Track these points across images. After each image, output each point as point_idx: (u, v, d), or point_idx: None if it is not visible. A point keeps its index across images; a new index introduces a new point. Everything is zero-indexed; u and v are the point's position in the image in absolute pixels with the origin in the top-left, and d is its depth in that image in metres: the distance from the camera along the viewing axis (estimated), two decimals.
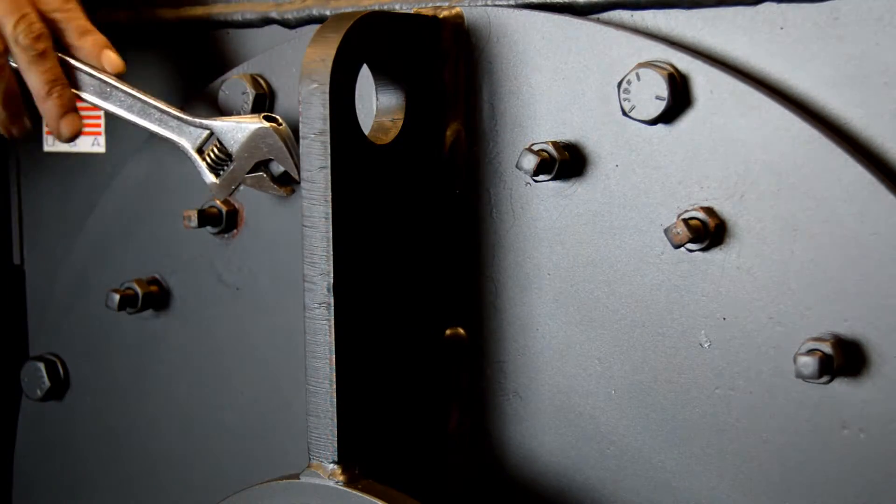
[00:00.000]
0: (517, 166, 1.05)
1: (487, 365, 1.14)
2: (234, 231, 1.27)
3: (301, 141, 1.01)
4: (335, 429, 1.02)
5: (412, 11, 1.11)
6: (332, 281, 1.01)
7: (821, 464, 0.98)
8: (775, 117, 0.97)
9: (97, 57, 1.20)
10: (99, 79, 1.21)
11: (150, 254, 1.33)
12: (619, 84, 1.02)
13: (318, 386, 1.03)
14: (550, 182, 1.08)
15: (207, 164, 1.20)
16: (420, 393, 1.13)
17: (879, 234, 0.94)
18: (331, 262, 1.01)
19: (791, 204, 0.97)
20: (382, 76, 1.09)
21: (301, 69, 1.00)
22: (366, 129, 1.07)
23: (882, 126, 0.96)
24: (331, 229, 1.01)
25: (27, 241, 1.48)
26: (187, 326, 1.32)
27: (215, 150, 1.19)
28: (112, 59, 1.21)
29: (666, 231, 1.01)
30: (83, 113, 1.25)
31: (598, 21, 1.06)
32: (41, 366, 1.40)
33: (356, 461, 1.04)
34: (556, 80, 1.07)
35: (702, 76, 1.00)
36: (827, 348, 0.94)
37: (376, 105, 1.10)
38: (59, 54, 1.21)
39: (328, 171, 1.00)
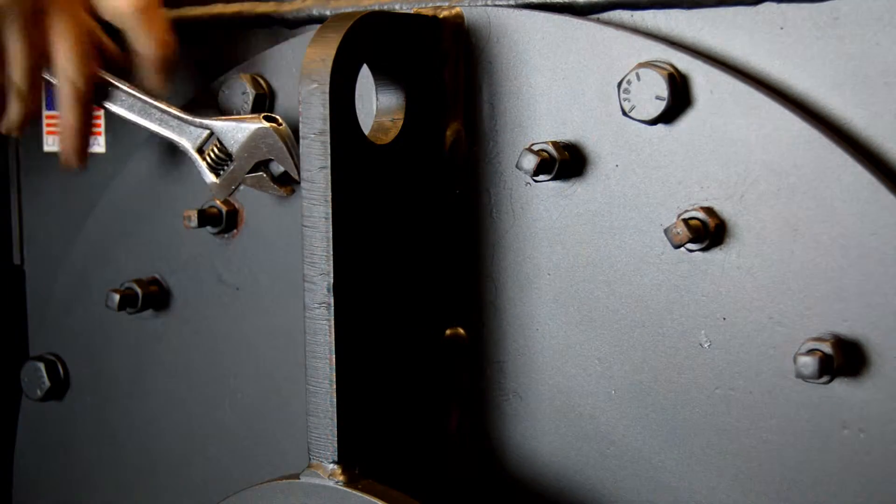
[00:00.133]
0: (517, 166, 1.05)
1: (487, 365, 1.14)
2: (234, 231, 1.27)
3: (301, 141, 1.01)
4: (335, 429, 1.02)
5: (412, 11, 1.11)
6: (332, 281, 1.01)
7: (821, 464, 0.98)
8: (775, 117, 0.97)
9: (147, 78, 1.14)
10: (101, 79, 1.21)
11: (150, 254, 1.33)
12: (619, 84, 1.02)
13: (318, 386, 1.03)
14: (550, 182, 1.08)
15: (207, 163, 1.20)
16: (420, 393, 1.13)
17: (879, 234, 0.94)
18: (331, 262, 1.01)
19: (791, 204, 0.97)
20: (382, 76, 1.09)
21: (301, 69, 1.00)
22: (366, 129, 1.07)
23: (882, 126, 0.96)
24: (331, 229, 1.01)
25: (27, 241, 1.48)
26: (187, 326, 1.32)
27: (215, 150, 1.19)
28: (158, 83, 1.17)
29: (666, 231, 1.01)
30: None
31: (598, 21, 1.06)
32: (41, 366, 1.40)
33: (356, 461, 1.04)
34: (556, 80, 1.07)
35: (702, 76, 1.00)
36: (827, 348, 0.94)
37: (376, 105, 1.10)
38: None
39: (328, 171, 1.00)
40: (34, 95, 1.11)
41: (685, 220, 1.00)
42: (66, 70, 1.08)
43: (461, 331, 1.15)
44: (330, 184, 1.00)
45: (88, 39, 1.08)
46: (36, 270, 1.48)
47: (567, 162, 1.06)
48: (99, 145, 1.40)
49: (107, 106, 1.22)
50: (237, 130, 1.18)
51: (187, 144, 1.21)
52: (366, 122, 1.09)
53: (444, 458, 1.16)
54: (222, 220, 1.26)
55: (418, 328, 1.12)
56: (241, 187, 1.22)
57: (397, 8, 1.15)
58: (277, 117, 1.18)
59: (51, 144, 1.44)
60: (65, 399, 1.42)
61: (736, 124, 0.99)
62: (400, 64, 1.08)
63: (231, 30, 1.28)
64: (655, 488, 1.06)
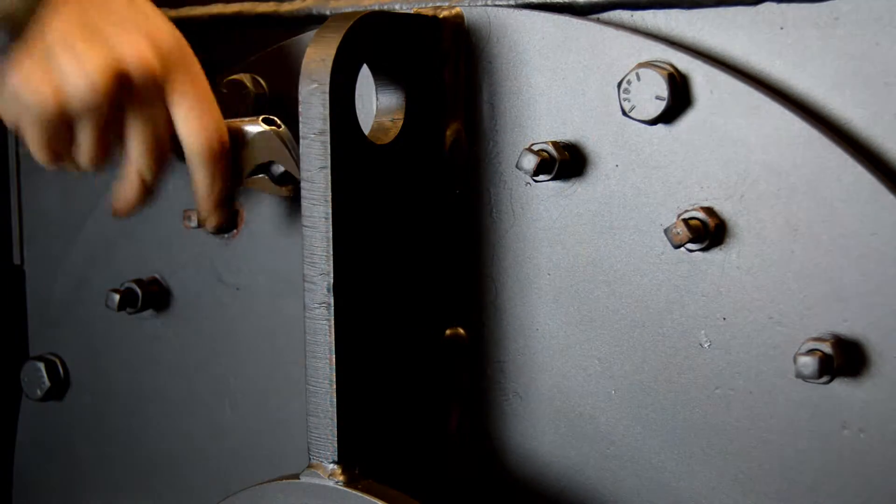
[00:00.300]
0: (517, 166, 1.05)
1: (487, 365, 1.14)
2: (234, 231, 1.27)
3: (301, 141, 1.01)
4: (335, 429, 1.02)
5: (412, 11, 1.11)
6: (332, 281, 1.01)
7: (821, 464, 0.98)
8: (775, 117, 0.97)
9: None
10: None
11: (150, 254, 1.33)
12: (619, 84, 1.02)
13: (318, 386, 1.03)
14: (550, 182, 1.08)
15: None
16: (420, 393, 1.13)
17: (879, 234, 0.94)
18: (331, 262, 1.01)
19: (791, 204, 0.97)
20: (382, 76, 1.09)
21: (301, 69, 1.00)
22: (366, 129, 1.07)
23: (882, 126, 0.96)
24: (331, 229, 1.01)
25: (27, 241, 1.48)
26: (187, 326, 1.32)
27: None
28: (212, 222, 1.20)
29: (666, 231, 1.01)
30: None
31: (598, 21, 1.06)
32: (41, 366, 1.40)
33: (356, 461, 1.04)
34: (556, 80, 1.07)
35: (702, 76, 1.00)
36: (827, 348, 0.94)
37: (376, 105, 1.10)
38: None
39: (328, 171, 1.00)
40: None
41: (685, 220, 1.00)
42: (137, 162, 1.12)
43: (461, 331, 1.15)
44: (330, 184, 1.00)
45: (162, 136, 1.12)
46: (36, 270, 1.48)
47: (567, 162, 1.06)
48: None
49: None
50: (237, 135, 1.18)
51: None
52: (366, 122, 1.09)
53: (444, 458, 1.16)
54: None
55: (418, 328, 1.12)
56: (241, 187, 1.22)
57: (397, 8, 1.15)
58: (276, 119, 1.18)
59: None
60: (65, 399, 1.42)
61: (736, 124, 0.99)
62: (400, 64, 1.08)
63: (231, 30, 1.28)
64: (655, 488, 1.06)
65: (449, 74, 1.12)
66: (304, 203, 1.02)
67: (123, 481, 1.38)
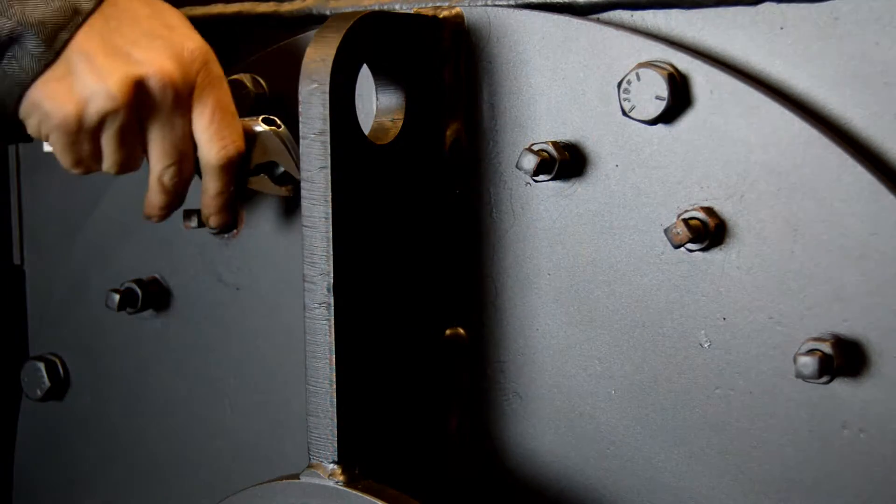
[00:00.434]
0: (517, 166, 1.05)
1: (487, 365, 1.14)
2: (234, 231, 1.27)
3: (301, 141, 1.01)
4: (335, 429, 1.02)
5: (412, 11, 1.11)
6: (332, 281, 1.01)
7: (821, 464, 0.98)
8: (775, 117, 0.97)
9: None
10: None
11: (150, 254, 1.33)
12: (619, 84, 1.02)
13: (318, 386, 1.03)
14: (550, 182, 1.08)
15: None
16: (420, 393, 1.13)
17: (879, 234, 0.94)
18: (331, 262, 1.01)
19: (791, 204, 0.97)
20: (382, 76, 1.09)
21: (301, 69, 1.00)
22: (366, 129, 1.07)
23: (882, 126, 0.96)
24: (331, 229, 1.01)
25: (27, 241, 1.48)
26: (187, 326, 1.32)
27: None
28: (215, 222, 1.22)
29: (666, 231, 1.01)
30: None
31: (598, 21, 1.06)
32: (41, 366, 1.40)
33: (356, 461, 1.04)
34: (556, 80, 1.07)
35: (702, 76, 1.00)
36: (827, 348, 0.94)
37: (376, 105, 1.10)
38: None
39: (328, 171, 1.00)
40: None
41: (685, 220, 1.00)
42: (156, 170, 1.15)
43: (461, 331, 1.15)
44: (330, 184, 1.00)
45: (183, 145, 1.15)
46: (36, 270, 1.48)
47: (567, 162, 1.06)
48: None
49: None
50: None
51: None
52: (366, 122, 1.09)
53: (444, 458, 1.16)
54: None
55: (418, 328, 1.12)
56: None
57: (397, 8, 1.15)
58: (276, 119, 1.18)
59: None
60: (65, 399, 1.42)
61: (736, 124, 0.99)
62: (400, 64, 1.08)
63: (231, 30, 1.28)
64: (655, 488, 1.06)
65: (449, 74, 1.12)
66: (304, 203, 1.02)
67: (123, 481, 1.38)
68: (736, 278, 1.00)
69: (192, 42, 1.12)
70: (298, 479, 1.04)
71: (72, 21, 1.07)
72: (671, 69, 1.00)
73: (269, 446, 1.27)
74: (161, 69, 1.09)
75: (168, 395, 1.34)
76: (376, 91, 1.09)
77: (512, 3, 1.10)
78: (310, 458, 1.04)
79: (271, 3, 1.25)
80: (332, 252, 1.01)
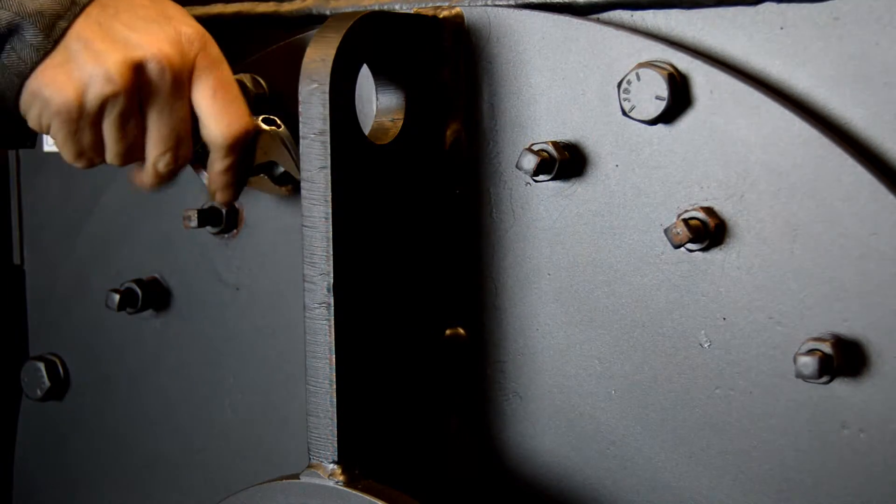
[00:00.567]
0: (517, 166, 1.05)
1: (487, 365, 1.14)
2: (234, 231, 1.27)
3: (301, 141, 1.01)
4: (335, 429, 1.02)
5: (412, 11, 1.11)
6: (332, 281, 1.01)
7: (821, 464, 0.98)
8: (775, 117, 0.97)
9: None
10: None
11: (150, 254, 1.33)
12: (619, 84, 1.02)
13: (318, 386, 1.03)
14: (550, 182, 1.08)
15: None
16: (420, 393, 1.13)
17: (879, 234, 0.94)
18: (331, 262, 1.01)
19: (791, 204, 0.97)
20: (382, 76, 1.09)
21: (301, 69, 1.00)
22: (366, 129, 1.07)
23: (882, 126, 0.96)
24: (331, 229, 1.01)
25: (27, 241, 1.48)
26: (187, 326, 1.32)
27: None
28: (221, 198, 1.21)
29: (666, 231, 1.01)
30: None
31: (598, 21, 1.06)
32: (41, 366, 1.40)
33: (356, 461, 1.04)
34: (556, 80, 1.07)
35: (702, 76, 1.00)
36: (827, 348, 0.94)
37: (376, 105, 1.10)
38: None
39: (328, 171, 1.00)
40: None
41: (685, 220, 1.00)
42: (152, 155, 1.15)
43: (461, 331, 1.15)
44: (330, 184, 1.00)
45: (180, 130, 1.14)
46: (36, 270, 1.48)
47: (567, 162, 1.06)
48: None
49: None
50: None
51: None
52: (366, 122, 1.09)
53: (445, 458, 1.16)
54: (222, 220, 1.26)
55: (418, 328, 1.12)
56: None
57: (397, 8, 1.15)
58: (276, 119, 1.18)
59: (51, 144, 1.44)
60: (65, 399, 1.42)
61: (736, 124, 0.99)
62: (400, 64, 1.08)
63: (231, 30, 1.28)
64: (655, 488, 1.06)
65: (449, 74, 1.12)
66: (304, 203, 1.02)
67: (123, 481, 1.38)
68: (736, 278, 1.00)
69: (190, 27, 1.12)
70: (298, 479, 1.04)
71: (70, 10, 1.07)
72: (671, 69, 1.00)
73: (269, 446, 1.27)
74: (159, 51, 1.09)
75: (168, 395, 1.34)
76: (376, 91, 1.09)
77: (512, 3, 1.10)
78: (310, 458, 1.04)
79: (271, 3, 1.25)
80: (332, 252, 1.01)
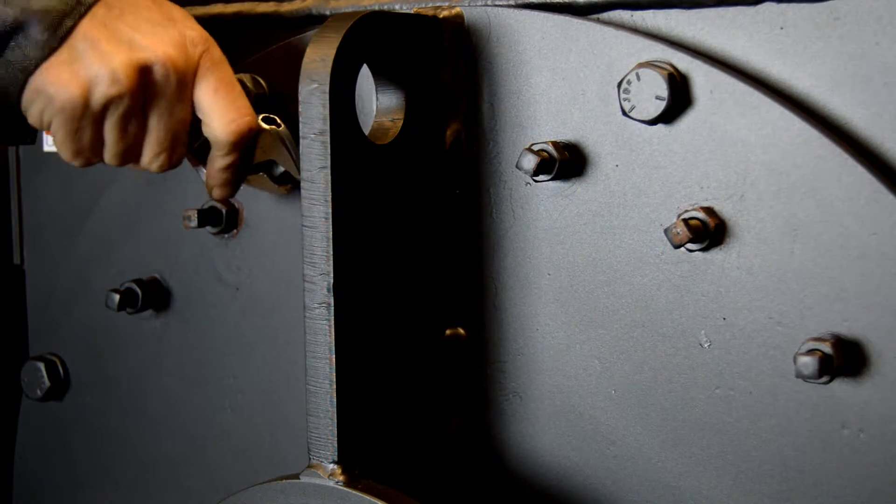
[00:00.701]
0: (517, 166, 1.05)
1: (487, 365, 1.14)
2: (234, 231, 1.27)
3: (301, 141, 1.01)
4: (335, 429, 1.02)
5: (412, 11, 1.11)
6: (332, 281, 1.01)
7: (821, 464, 0.98)
8: (775, 117, 0.97)
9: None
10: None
11: (150, 254, 1.33)
12: (619, 84, 1.02)
13: (318, 386, 1.03)
14: (550, 182, 1.08)
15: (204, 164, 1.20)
16: (420, 393, 1.13)
17: (879, 234, 0.94)
18: (331, 262, 1.01)
19: (791, 204, 0.97)
20: (382, 76, 1.09)
21: (301, 69, 1.00)
22: (366, 129, 1.07)
23: (882, 126, 0.96)
24: (331, 229, 1.01)
25: (27, 241, 1.48)
26: (187, 326, 1.32)
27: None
28: (217, 194, 1.20)
29: (666, 231, 1.01)
30: None
31: (598, 21, 1.06)
32: (41, 366, 1.40)
33: (356, 461, 1.04)
34: (556, 80, 1.07)
35: (702, 76, 1.00)
36: (827, 348, 0.94)
37: (376, 105, 1.10)
38: None
39: (328, 171, 1.00)
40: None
41: (685, 220, 1.00)
42: (147, 157, 1.16)
43: (461, 331, 1.15)
44: (330, 184, 1.00)
45: (178, 133, 1.15)
46: (36, 270, 1.48)
47: (567, 162, 1.06)
48: None
49: None
50: None
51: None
52: (366, 122, 1.09)
53: (445, 458, 1.16)
54: (222, 220, 1.26)
55: (418, 328, 1.12)
56: (241, 187, 1.22)
57: (397, 8, 1.15)
58: (276, 118, 1.18)
59: (51, 144, 1.44)
60: (65, 399, 1.42)
61: (736, 124, 0.99)
62: (400, 64, 1.08)
63: (231, 30, 1.28)
64: (655, 488, 1.06)
65: (449, 74, 1.12)
66: (304, 203, 1.02)
67: (123, 481, 1.38)
68: (736, 278, 1.00)
69: (193, 31, 1.13)
70: (298, 479, 1.04)
71: (75, 9, 1.07)
72: (671, 69, 1.00)
73: (269, 446, 1.27)
74: (165, 54, 1.10)
75: (168, 394, 1.34)
76: (376, 91, 1.09)
77: (512, 3, 1.10)
78: (310, 458, 1.04)
79: (271, 3, 1.25)
80: (332, 252, 1.01)
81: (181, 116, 1.13)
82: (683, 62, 1.01)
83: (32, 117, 1.11)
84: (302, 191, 1.02)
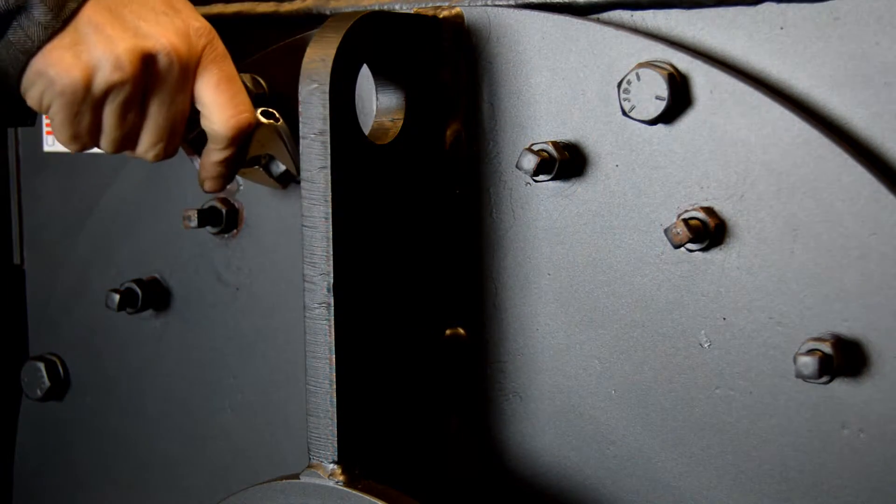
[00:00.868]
0: (517, 166, 1.05)
1: (487, 365, 1.14)
2: (234, 231, 1.27)
3: (301, 141, 1.01)
4: (335, 429, 1.02)
5: (412, 11, 1.11)
6: (332, 281, 1.01)
7: (821, 464, 0.98)
8: (775, 117, 0.97)
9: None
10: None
11: (150, 254, 1.33)
12: (619, 84, 1.02)
13: (318, 386, 1.03)
14: (550, 182, 1.08)
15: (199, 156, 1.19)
16: (420, 393, 1.13)
17: (879, 234, 0.94)
18: (331, 262, 1.01)
19: (791, 204, 0.97)
20: (382, 76, 1.09)
21: (301, 69, 1.00)
22: (366, 129, 1.07)
23: (882, 126, 0.96)
24: (331, 229, 1.01)
25: (27, 241, 1.48)
26: (187, 326, 1.32)
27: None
28: (209, 186, 1.20)
29: (666, 231, 1.01)
30: None
31: (598, 21, 1.06)
32: (41, 366, 1.40)
33: (356, 461, 1.04)
34: (556, 80, 1.07)
35: (702, 76, 1.00)
36: (827, 348, 0.94)
37: (376, 105, 1.10)
38: None
39: (328, 171, 1.00)
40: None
41: (685, 220, 1.00)
42: (143, 146, 1.15)
43: (461, 331, 1.15)
44: (330, 184, 1.00)
45: (177, 124, 1.14)
46: (36, 270, 1.48)
47: (567, 162, 1.06)
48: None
49: None
50: None
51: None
52: (366, 122, 1.09)
53: (445, 458, 1.16)
54: (222, 220, 1.26)
55: (418, 328, 1.12)
56: (241, 187, 1.22)
57: (397, 8, 1.15)
58: (275, 113, 1.18)
59: (51, 144, 1.44)
60: (65, 399, 1.42)
61: (736, 124, 0.99)
62: (400, 64, 1.08)
63: (231, 30, 1.28)
64: (655, 488, 1.06)
65: (449, 74, 1.12)
66: (304, 203, 1.02)
67: (123, 481, 1.38)
68: (736, 278, 1.00)
69: (198, 21, 1.13)
70: (298, 479, 1.04)
71: None
72: (671, 69, 1.00)
73: (269, 446, 1.27)
74: (169, 43, 1.09)
75: (168, 394, 1.34)
76: (376, 91, 1.10)
77: (512, 3, 1.10)
78: (310, 458, 1.04)
79: (271, 3, 1.25)
80: (332, 252, 1.01)
81: (181, 107, 1.13)
82: (683, 62, 1.01)
83: (32, 100, 1.10)
84: (302, 191, 1.02)
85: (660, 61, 1.01)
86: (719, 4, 1.01)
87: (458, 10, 1.11)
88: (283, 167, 1.19)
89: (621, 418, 1.08)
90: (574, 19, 1.06)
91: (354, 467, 1.04)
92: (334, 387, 1.02)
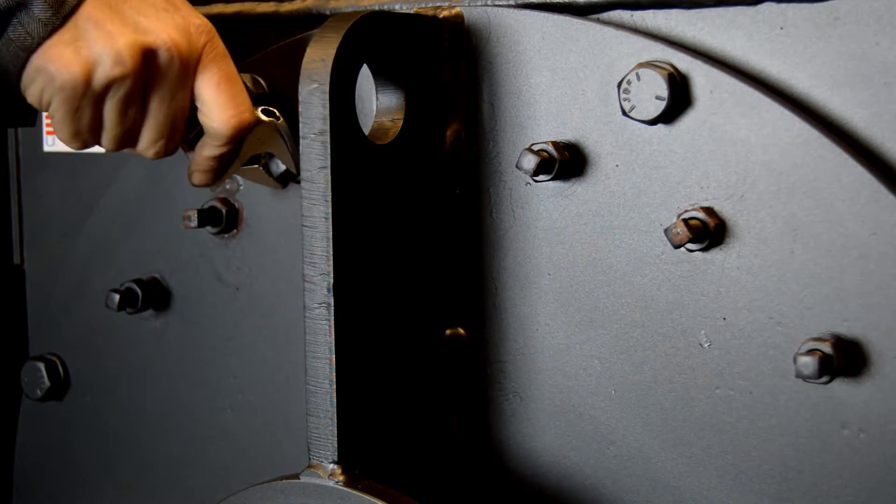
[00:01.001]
0: (517, 166, 1.05)
1: (487, 365, 1.14)
2: (234, 231, 1.27)
3: (301, 141, 1.01)
4: (335, 429, 1.02)
5: (412, 11, 1.11)
6: (332, 281, 1.01)
7: (821, 464, 0.98)
8: (775, 117, 0.97)
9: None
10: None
11: (150, 254, 1.33)
12: (619, 84, 1.02)
13: (318, 386, 1.03)
14: (550, 182, 1.08)
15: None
16: (420, 393, 1.13)
17: (879, 234, 0.94)
18: (331, 262, 1.01)
19: (791, 204, 0.97)
20: (382, 76, 1.09)
21: (301, 69, 1.00)
22: (366, 129, 1.07)
23: (882, 126, 0.96)
24: (331, 229, 1.01)
25: (27, 241, 1.48)
26: (187, 326, 1.32)
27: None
28: (198, 180, 1.20)
29: (666, 231, 1.01)
30: None
31: (598, 21, 1.06)
32: (41, 366, 1.40)
33: (356, 461, 1.04)
34: (556, 80, 1.07)
35: (702, 76, 1.00)
36: (827, 348, 0.94)
37: (376, 105, 1.10)
38: None
39: (328, 171, 1.00)
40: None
41: (685, 220, 1.00)
42: (143, 143, 1.15)
43: (461, 331, 1.15)
44: (330, 184, 1.00)
45: (177, 121, 1.14)
46: (36, 270, 1.48)
47: (567, 162, 1.06)
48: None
49: None
50: None
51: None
52: (366, 122, 1.09)
53: (445, 458, 1.16)
54: (222, 220, 1.26)
55: (418, 328, 1.12)
56: (241, 187, 1.22)
57: (397, 8, 1.15)
58: (276, 111, 1.18)
59: (51, 144, 1.44)
60: (65, 399, 1.42)
61: (736, 124, 0.99)
62: (400, 64, 1.08)
63: (231, 30, 1.28)
64: (655, 488, 1.06)
65: (449, 74, 1.12)
66: (304, 203, 1.02)
67: (124, 481, 1.38)
68: (736, 278, 1.00)
69: (198, 19, 1.13)
70: (298, 479, 1.04)
71: None
72: (671, 69, 1.00)
73: (269, 446, 1.27)
74: (170, 38, 1.09)
75: (168, 394, 1.34)
76: (376, 91, 1.10)
77: (512, 3, 1.10)
78: (310, 458, 1.04)
79: (271, 3, 1.25)
80: (332, 252, 1.01)
81: (181, 104, 1.13)
82: (683, 62, 1.01)
83: (32, 96, 1.10)
84: (302, 191, 1.02)
85: (660, 61, 1.01)
86: (719, 4, 1.01)
87: (458, 10, 1.11)
88: (283, 167, 1.19)
89: (621, 418, 1.08)
90: (574, 19, 1.06)
91: (354, 467, 1.04)
92: (334, 387, 1.02)
